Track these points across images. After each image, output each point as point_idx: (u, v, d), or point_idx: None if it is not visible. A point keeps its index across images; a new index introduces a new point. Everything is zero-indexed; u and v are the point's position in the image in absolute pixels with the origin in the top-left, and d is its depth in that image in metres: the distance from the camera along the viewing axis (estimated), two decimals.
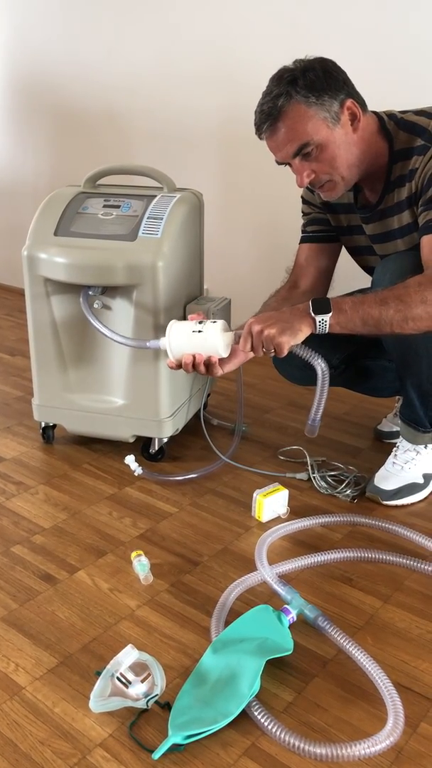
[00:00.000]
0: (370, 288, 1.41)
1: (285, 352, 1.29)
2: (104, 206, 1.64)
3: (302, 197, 1.60)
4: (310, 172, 1.33)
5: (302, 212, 1.61)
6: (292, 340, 1.28)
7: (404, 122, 1.35)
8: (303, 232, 1.62)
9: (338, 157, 1.32)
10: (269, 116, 1.29)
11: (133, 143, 2.69)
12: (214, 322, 1.38)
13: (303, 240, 1.62)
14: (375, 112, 1.37)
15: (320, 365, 1.33)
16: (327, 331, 1.28)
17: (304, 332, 1.29)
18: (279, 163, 1.37)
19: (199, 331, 1.36)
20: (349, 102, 1.29)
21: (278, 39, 2.19)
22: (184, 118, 2.50)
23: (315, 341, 1.52)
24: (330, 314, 1.27)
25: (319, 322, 1.27)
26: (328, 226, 1.58)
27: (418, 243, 1.33)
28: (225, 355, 1.39)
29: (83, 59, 2.74)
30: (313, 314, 1.27)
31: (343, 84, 1.29)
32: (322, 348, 1.55)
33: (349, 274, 1.65)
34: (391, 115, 1.37)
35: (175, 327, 1.40)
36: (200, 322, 1.38)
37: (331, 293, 1.60)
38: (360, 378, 1.69)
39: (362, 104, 1.33)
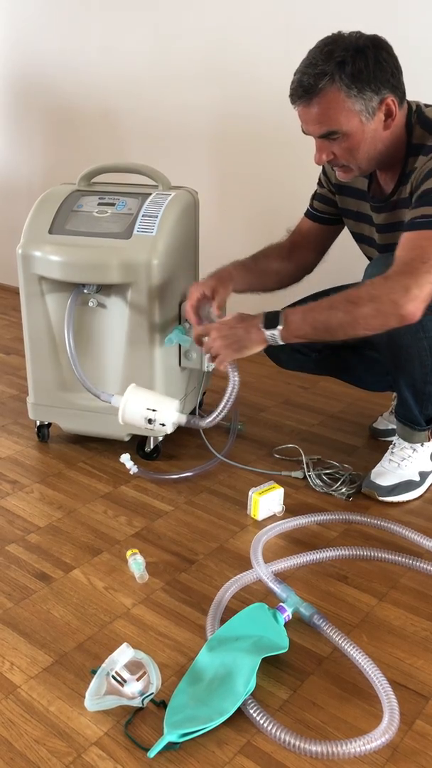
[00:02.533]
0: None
1: (221, 367, 1.37)
2: (99, 204, 1.64)
3: (322, 167, 1.58)
4: (330, 152, 1.32)
5: (317, 181, 1.61)
6: (234, 355, 1.35)
7: (423, 117, 1.33)
8: (310, 204, 1.63)
9: (361, 150, 1.31)
10: (306, 92, 1.26)
11: (128, 141, 2.69)
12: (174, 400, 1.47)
13: (307, 213, 1.64)
14: (408, 103, 1.34)
15: (233, 379, 1.40)
16: (279, 342, 1.32)
17: (252, 349, 1.34)
18: (304, 132, 1.34)
19: (154, 410, 1.44)
20: (389, 99, 1.26)
21: (272, 35, 2.19)
22: (179, 116, 2.50)
23: None
24: (280, 327, 1.30)
25: (270, 336, 1.32)
26: (333, 207, 1.58)
27: None
28: (170, 431, 1.47)
29: (78, 57, 2.73)
30: (263, 329, 1.31)
31: (390, 77, 1.25)
32: None
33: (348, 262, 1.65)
34: (418, 106, 1.35)
35: (131, 400, 1.45)
36: (153, 410, 1.44)
37: (327, 279, 1.61)
38: (346, 366, 1.69)
39: (402, 97, 1.30)
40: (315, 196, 1.62)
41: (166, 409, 1.45)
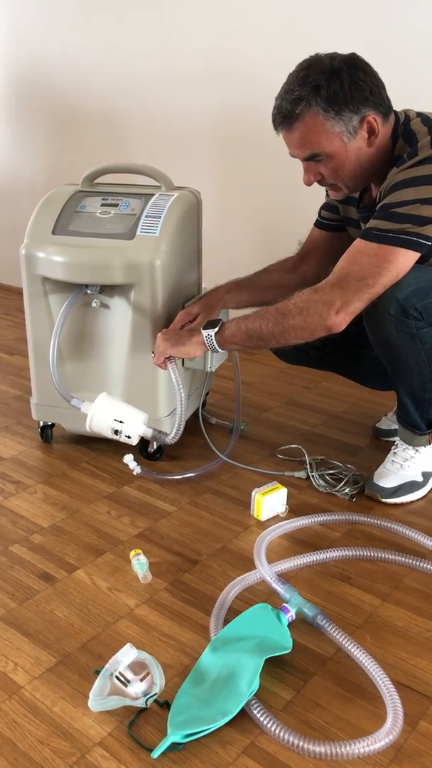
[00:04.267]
0: None
1: (158, 360, 1.48)
2: (102, 205, 1.64)
3: None
4: (317, 173, 1.36)
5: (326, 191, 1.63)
6: (170, 349, 1.45)
7: (407, 129, 1.33)
8: (318, 213, 1.65)
9: (346, 169, 1.33)
10: (285, 118, 1.29)
11: (131, 142, 2.69)
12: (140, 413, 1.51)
13: (315, 223, 1.66)
14: (396, 113, 1.34)
15: (180, 395, 1.50)
16: (217, 347, 1.41)
17: (188, 346, 1.43)
18: (291, 155, 1.37)
19: (121, 422, 1.48)
20: (370, 116, 1.27)
21: (276, 37, 2.19)
22: (182, 117, 2.50)
23: None
24: (215, 330, 1.39)
25: (206, 337, 1.41)
26: (338, 214, 1.61)
27: None
28: (134, 443, 1.53)
29: (81, 58, 2.73)
30: (201, 330, 1.41)
31: (368, 95, 1.26)
32: None
33: None
34: (407, 117, 1.35)
35: (99, 410, 1.48)
36: (120, 421, 1.48)
37: None
38: (344, 361, 1.69)
39: (386, 112, 1.30)
40: (323, 206, 1.65)
41: (133, 422, 1.49)
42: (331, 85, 1.24)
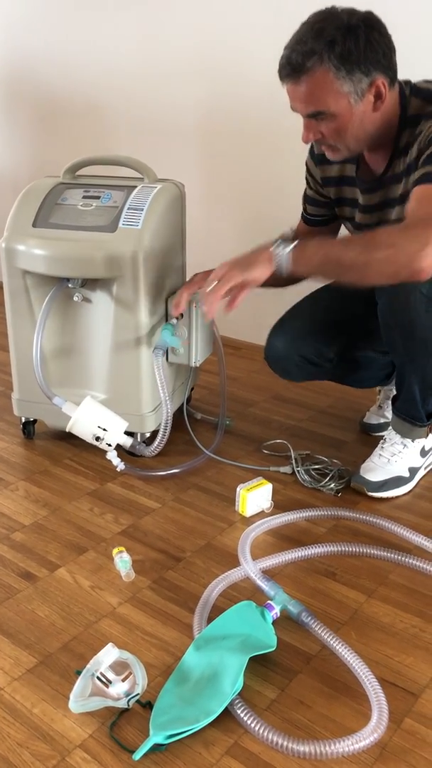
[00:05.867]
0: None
1: (226, 285, 1.25)
2: (84, 197, 1.61)
3: (306, 163, 1.56)
4: (318, 132, 1.30)
5: (306, 183, 1.59)
6: (240, 275, 1.25)
7: (420, 89, 1.31)
8: (304, 209, 1.61)
9: (349, 131, 1.28)
10: (294, 70, 1.23)
11: (115, 135, 2.65)
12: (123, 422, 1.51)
13: (303, 219, 1.63)
14: (400, 82, 1.31)
15: (165, 398, 1.49)
16: (285, 267, 1.24)
17: (258, 268, 1.25)
18: (292, 109, 1.32)
19: (104, 429, 1.47)
20: (379, 81, 1.23)
21: (262, 28, 2.16)
22: (166, 108, 2.47)
23: (311, 335, 1.51)
24: (291, 246, 1.24)
25: (278, 255, 1.24)
26: (325, 208, 1.57)
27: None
28: (112, 450, 1.51)
29: (64, 49, 2.69)
30: (273, 244, 1.25)
31: (381, 57, 1.22)
32: (318, 342, 1.55)
33: None
34: (410, 82, 1.32)
35: (85, 415, 1.47)
36: (104, 429, 1.47)
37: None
38: (349, 370, 1.68)
39: (393, 78, 1.27)
40: (306, 200, 1.60)
41: (115, 431, 1.48)
42: (347, 42, 1.19)
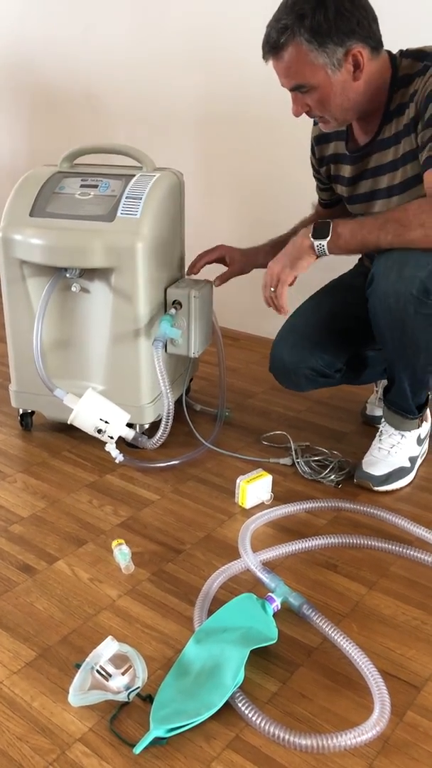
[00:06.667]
0: (369, 282, 1.38)
1: (286, 285, 1.36)
2: (81, 186, 1.59)
3: (310, 149, 1.60)
4: (304, 104, 1.33)
5: (313, 169, 1.63)
6: (292, 271, 1.35)
7: (409, 51, 1.32)
8: (319, 195, 1.68)
9: (332, 102, 1.30)
10: (272, 47, 1.27)
11: (113, 122, 2.63)
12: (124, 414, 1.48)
13: (319, 202, 1.69)
14: (390, 51, 1.32)
15: (166, 390, 1.51)
16: (326, 252, 1.31)
17: (305, 258, 1.33)
18: (282, 85, 1.34)
19: (107, 422, 1.45)
20: (355, 50, 1.24)
21: (258, 16, 2.13)
22: (164, 97, 2.44)
23: (319, 346, 1.50)
24: (328, 239, 1.29)
25: (318, 246, 1.31)
26: (327, 191, 1.62)
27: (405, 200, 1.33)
28: (113, 442, 1.50)
29: (61, 37, 2.66)
30: (312, 239, 1.30)
31: (355, 26, 1.22)
32: (326, 354, 1.53)
33: None
34: (399, 50, 1.33)
35: (87, 408, 1.45)
36: (106, 422, 1.45)
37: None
38: (356, 372, 1.67)
39: (375, 47, 1.27)
40: (317, 185, 1.65)
41: (117, 423, 1.46)
42: (316, 15, 1.21)
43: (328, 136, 1.50)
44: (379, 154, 1.38)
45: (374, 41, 1.27)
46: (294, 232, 1.64)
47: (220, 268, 1.71)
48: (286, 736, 0.91)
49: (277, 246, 1.63)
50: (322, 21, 1.21)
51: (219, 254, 1.68)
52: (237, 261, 1.68)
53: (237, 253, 1.68)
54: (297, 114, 1.35)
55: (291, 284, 1.38)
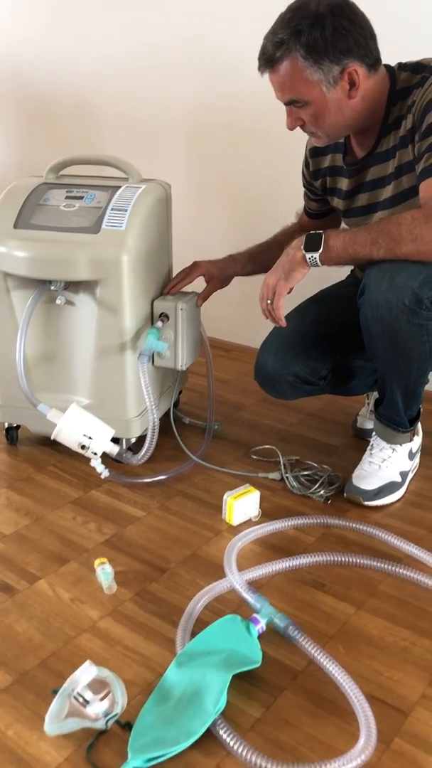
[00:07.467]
0: (360, 292, 1.36)
1: (282, 296, 1.34)
2: (67, 197, 1.57)
3: (303, 161, 1.60)
4: (298, 119, 1.33)
5: (303, 180, 1.63)
6: (287, 283, 1.33)
7: (407, 64, 1.31)
8: (306, 204, 1.66)
9: (326, 118, 1.30)
10: (267, 60, 1.27)
11: (103, 134, 2.61)
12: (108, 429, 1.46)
13: (305, 211, 1.68)
14: (388, 65, 1.31)
15: (151, 405, 1.48)
16: (319, 264, 1.30)
17: (298, 270, 1.31)
18: (277, 98, 1.34)
19: (90, 438, 1.43)
20: (351, 68, 1.23)
21: (249, 26, 2.12)
22: (153, 108, 2.43)
23: (303, 353, 1.49)
24: (320, 251, 1.28)
25: (310, 258, 1.29)
26: (317, 202, 1.62)
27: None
28: (97, 458, 1.48)
29: (51, 47, 2.65)
30: (303, 251, 1.29)
31: (352, 45, 1.22)
32: (310, 360, 1.51)
33: None
34: (398, 63, 1.33)
35: (70, 423, 1.42)
36: (89, 437, 1.43)
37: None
38: (341, 381, 1.64)
39: (372, 64, 1.26)
40: (306, 194, 1.64)
41: (101, 439, 1.43)
42: (313, 32, 1.20)
43: (325, 149, 1.49)
44: (377, 168, 1.38)
45: (371, 59, 1.26)
46: (275, 240, 1.66)
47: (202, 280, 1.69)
48: (269, 766, 0.88)
49: (255, 256, 1.65)
50: (319, 38, 1.20)
51: (197, 274, 1.65)
52: (216, 277, 1.67)
53: (215, 269, 1.66)
54: (291, 127, 1.35)
55: (288, 293, 1.37)
